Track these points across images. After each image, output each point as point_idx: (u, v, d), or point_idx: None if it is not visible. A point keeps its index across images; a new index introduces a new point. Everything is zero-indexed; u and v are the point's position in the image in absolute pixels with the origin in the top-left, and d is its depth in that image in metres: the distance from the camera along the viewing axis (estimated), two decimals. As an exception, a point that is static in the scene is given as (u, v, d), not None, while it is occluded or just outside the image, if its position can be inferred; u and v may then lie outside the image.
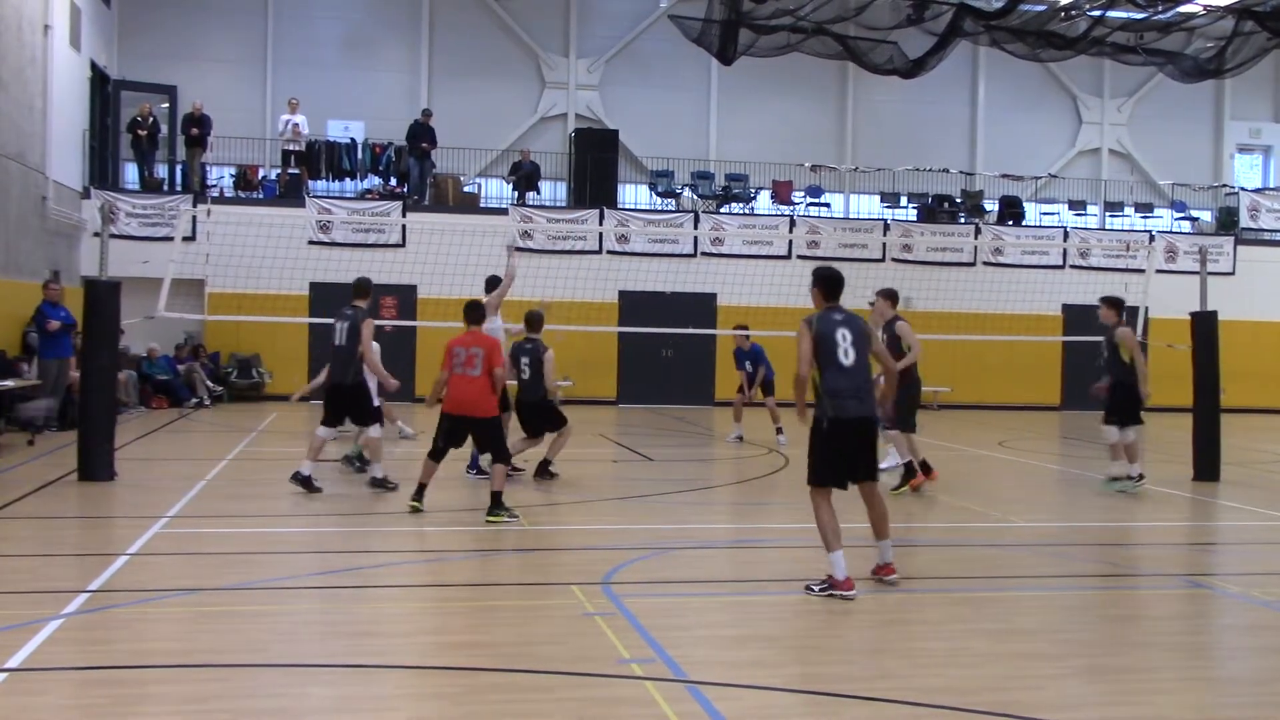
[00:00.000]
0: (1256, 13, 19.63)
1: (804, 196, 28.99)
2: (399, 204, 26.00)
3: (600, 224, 26.60)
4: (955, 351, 24.87)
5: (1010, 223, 29.58)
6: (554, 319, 15.89)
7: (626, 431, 20.61)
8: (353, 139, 27.11)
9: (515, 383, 13.00)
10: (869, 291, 13.73)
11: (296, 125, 26.04)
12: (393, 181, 26.99)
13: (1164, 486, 14.49)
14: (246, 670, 6.08)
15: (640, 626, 6.97)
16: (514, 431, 13.02)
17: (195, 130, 25.51)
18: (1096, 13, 20.55)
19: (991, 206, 29.87)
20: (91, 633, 6.84)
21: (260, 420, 20.52)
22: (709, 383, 27.00)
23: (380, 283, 24.02)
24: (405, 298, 24.89)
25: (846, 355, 8.00)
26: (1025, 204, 30.16)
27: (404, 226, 25.19)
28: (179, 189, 25.87)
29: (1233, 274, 28.76)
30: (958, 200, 29.58)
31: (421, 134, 26.54)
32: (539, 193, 28.07)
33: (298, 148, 26.22)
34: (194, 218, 21.56)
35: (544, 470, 13.21)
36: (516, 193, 27.57)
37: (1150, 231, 29.62)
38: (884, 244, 27.53)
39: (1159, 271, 23.53)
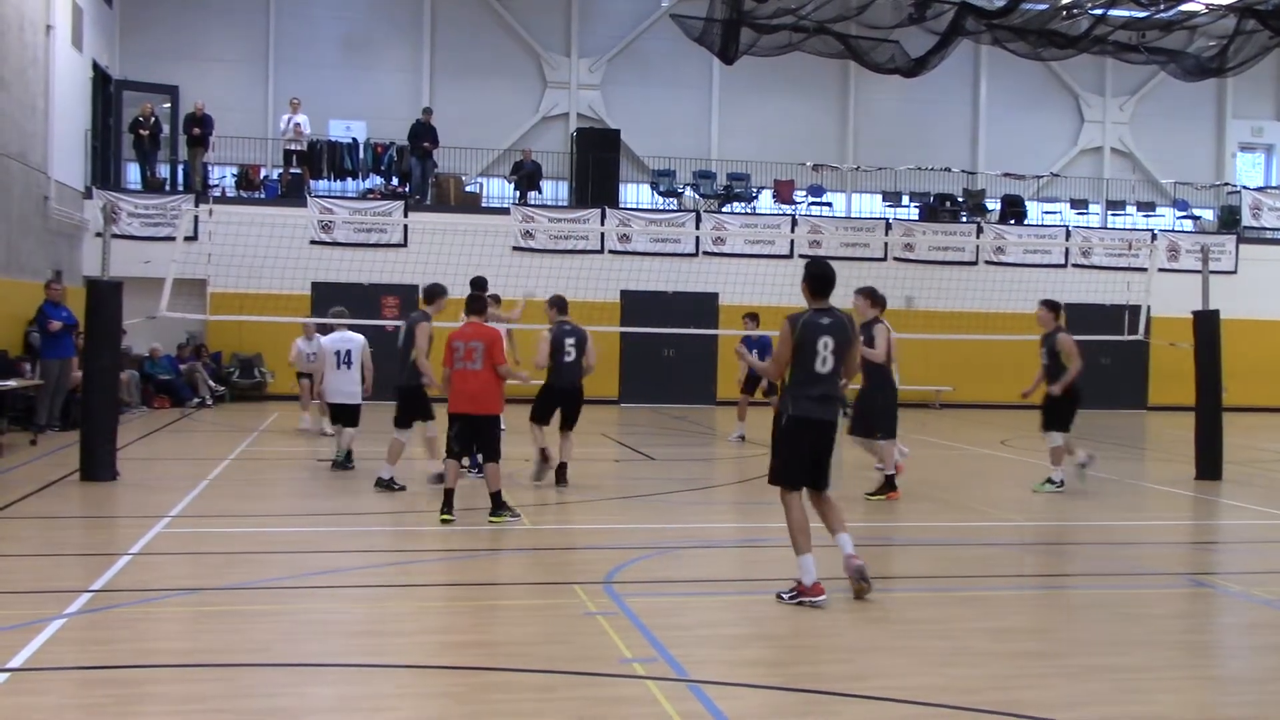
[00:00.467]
0: (1258, 11, 19.61)
1: (806, 196, 28.97)
2: (401, 204, 26.00)
3: (602, 223, 26.60)
4: (957, 351, 24.87)
5: (1012, 222, 29.58)
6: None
7: (628, 431, 20.62)
8: (354, 139, 27.12)
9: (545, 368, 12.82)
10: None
11: (298, 125, 26.04)
12: (394, 181, 26.99)
13: (1166, 485, 14.49)
14: (249, 670, 6.09)
15: (642, 626, 6.98)
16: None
17: (197, 130, 25.51)
18: (1098, 11, 20.53)
19: (993, 205, 29.86)
20: (94, 632, 6.84)
21: (262, 420, 20.53)
22: (710, 382, 27.01)
23: (382, 283, 24.35)
24: (407, 298, 24.84)
25: (824, 364, 7.75)
26: (1027, 203, 30.16)
27: (406, 226, 25.20)
28: (181, 189, 25.87)
29: (1235, 273, 28.73)
30: (959, 199, 29.57)
31: (423, 133, 26.55)
32: (540, 192, 28.06)
33: (299, 147, 26.22)
34: (196, 218, 21.56)
35: (563, 476, 12.80)
36: (518, 192, 27.57)
37: (1152, 230, 29.61)
38: (886, 243, 27.52)
39: (1161, 270, 23.51)
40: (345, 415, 14.02)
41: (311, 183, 26.56)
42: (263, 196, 26.27)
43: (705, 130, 29.95)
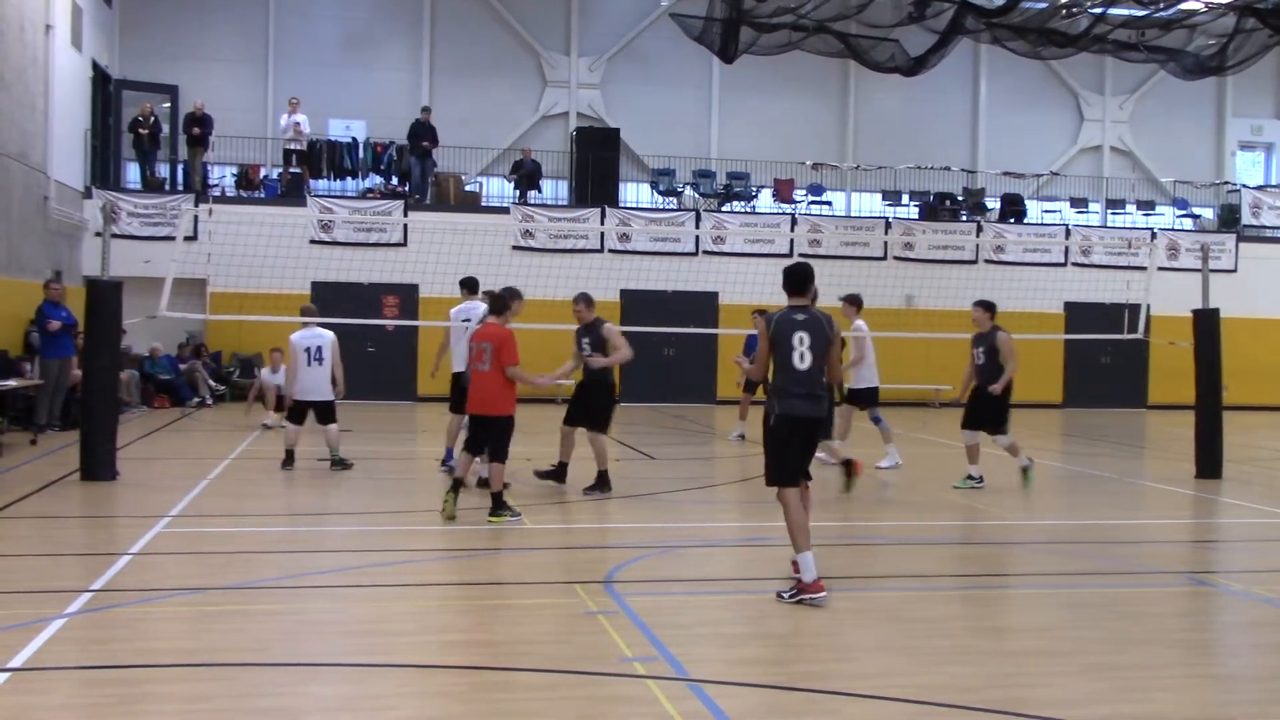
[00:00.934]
0: (1258, 10, 19.61)
1: (805, 195, 28.98)
2: (400, 203, 26.00)
3: (602, 223, 26.60)
4: (957, 350, 24.72)
5: (1012, 220, 29.59)
6: (556, 318, 15.87)
7: (628, 430, 20.60)
8: (354, 138, 27.12)
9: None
10: (871, 290, 13.77)
11: (298, 124, 26.04)
12: (394, 180, 26.99)
13: (1166, 484, 14.49)
14: (249, 669, 6.09)
15: (643, 625, 6.98)
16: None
17: (197, 130, 25.51)
18: (1098, 10, 20.53)
19: (993, 204, 29.86)
20: (94, 632, 6.84)
21: (262, 419, 20.50)
22: (710, 381, 27.01)
23: (382, 282, 24.37)
24: (407, 297, 24.91)
25: (802, 359, 7.82)
26: (1027, 202, 30.16)
27: (405, 225, 25.20)
28: (180, 189, 25.87)
29: (1235, 271, 28.74)
30: (959, 198, 29.57)
31: (422, 132, 26.55)
32: (540, 191, 28.05)
33: (299, 147, 26.22)
34: (195, 217, 21.56)
35: (605, 482, 12.32)
36: (518, 191, 27.57)
37: (1152, 229, 29.61)
38: (885, 242, 27.53)
39: (1161, 269, 23.49)
40: (321, 412, 13.95)
41: (311, 182, 26.56)
42: (262, 196, 26.28)
43: (705, 129, 29.95)
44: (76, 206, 23.94)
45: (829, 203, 29.25)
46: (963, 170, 30.25)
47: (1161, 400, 27.73)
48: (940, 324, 23.50)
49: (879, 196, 29.65)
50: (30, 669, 5.97)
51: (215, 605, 7.44)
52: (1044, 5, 21.48)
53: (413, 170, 26.68)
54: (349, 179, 27.12)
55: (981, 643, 6.88)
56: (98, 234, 18.77)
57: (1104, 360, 28.42)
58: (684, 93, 29.94)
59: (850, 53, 22.41)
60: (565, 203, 28.15)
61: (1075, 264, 28.36)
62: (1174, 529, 11.66)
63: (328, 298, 23.47)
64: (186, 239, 19.92)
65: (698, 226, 27.13)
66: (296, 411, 14.04)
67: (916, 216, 29.48)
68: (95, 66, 25.14)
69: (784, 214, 28.32)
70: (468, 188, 27.65)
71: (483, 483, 11.75)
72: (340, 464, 13.91)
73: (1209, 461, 14.80)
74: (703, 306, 26.32)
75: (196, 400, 23.24)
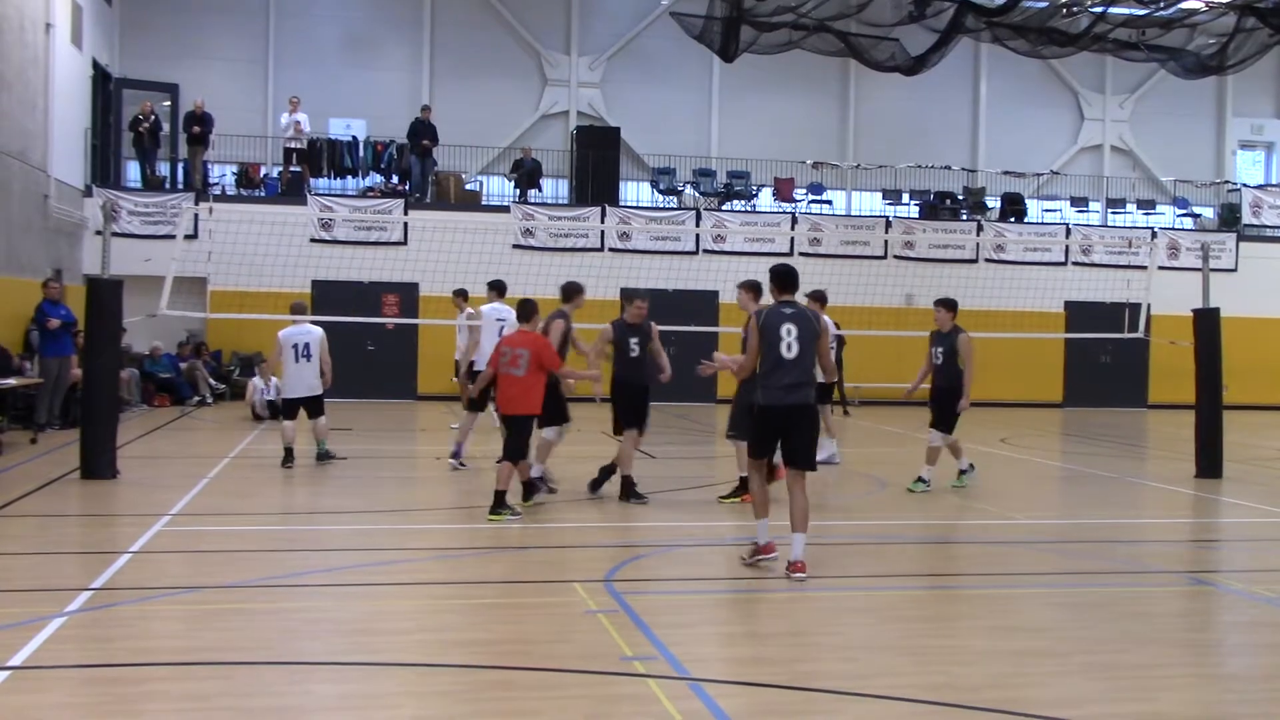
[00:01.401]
0: (1258, 9, 19.62)
1: (806, 194, 28.96)
2: (401, 202, 25.99)
3: (602, 221, 26.58)
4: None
5: (1012, 219, 29.57)
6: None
7: (628, 429, 20.58)
8: (354, 137, 27.11)
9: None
10: (871, 289, 13.77)
11: (298, 123, 26.02)
12: (394, 179, 26.98)
13: (1167, 483, 14.49)
14: (249, 668, 6.08)
15: (643, 624, 6.97)
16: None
17: (197, 128, 25.49)
18: (1098, 9, 20.54)
19: (993, 203, 29.84)
20: (94, 630, 6.84)
21: (263, 418, 20.48)
22: (711, 380, 26.95)
23: (382, 280, 24.36)
24: (407, 295, 24.90)
25: (790, 349, 8.50)
26: (1027, 201, 30.14)
27: (406, 224, 25.19)
28: (180, 187, 25.86)
29: (1235, 270, 28.72)
30: (960, 197, 29.56)
31: (422, 131, 26.53)
32: (540, 190, 28.03)
33: (299, 146, 26.20)
34: (196, 216, 21.56)
35: (631, 491, 11.90)
36: (518, 190, 27.55)
37: (1152, 228, 29.59)
38: (886, 241, 27.51)
39: (1161, 268, 23.49)
40: (310, 407, 14.18)
41: (311, 181, 26.54)
42: (263, 195, 26.27)
43: (705, 128, 29.93)
44: (77, 205, 23.94)
45: (829, 202, 29.23)
46: (963, 169, 30.23)
47: (1162, 400, 27.72)
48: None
49: (879, 195, 29.62)
50: (30, 667, 5.97)
51: (214, 604, 7.44)
52: (1044, 4, 21.49)
53: (413, 169, 26.66)
54: (349, 178, 27.10)
55: (982, 642, 6.88)
56: (98, 232, 18.77)
57: (1104, 359, 28.42)
58: (684, 92, 29.92)
59: (850, 52, 22.42)
60: (565, 201, 28.13)
61: (1076, 263, 28.35)
62: (1174, 528, 11.66)
63: (328, 296, 23.53)
64: (187, 238, 19.93)
65: (698, 225, 27.11)
66: (290, 408, 14.16)
67: (917, 215, 29.47)
68: (96, 65, 25.13)
69: (784, 213, 28.31)
70: (468, 186, 27.64)
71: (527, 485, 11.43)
72: (326, 456, 14.09)
73: (1209, 461, 14.79)
74: (703, 305, 26.30)
75: (197, 399, 23.23)
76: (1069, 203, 30.44)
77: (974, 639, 6.96)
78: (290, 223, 22.64)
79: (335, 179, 27.03)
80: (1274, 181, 32.81)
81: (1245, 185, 31.50)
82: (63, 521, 10.63)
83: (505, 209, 26.78)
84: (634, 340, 11.94)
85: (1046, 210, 30.61)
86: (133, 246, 23.08)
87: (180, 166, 26.59)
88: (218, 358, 25.02)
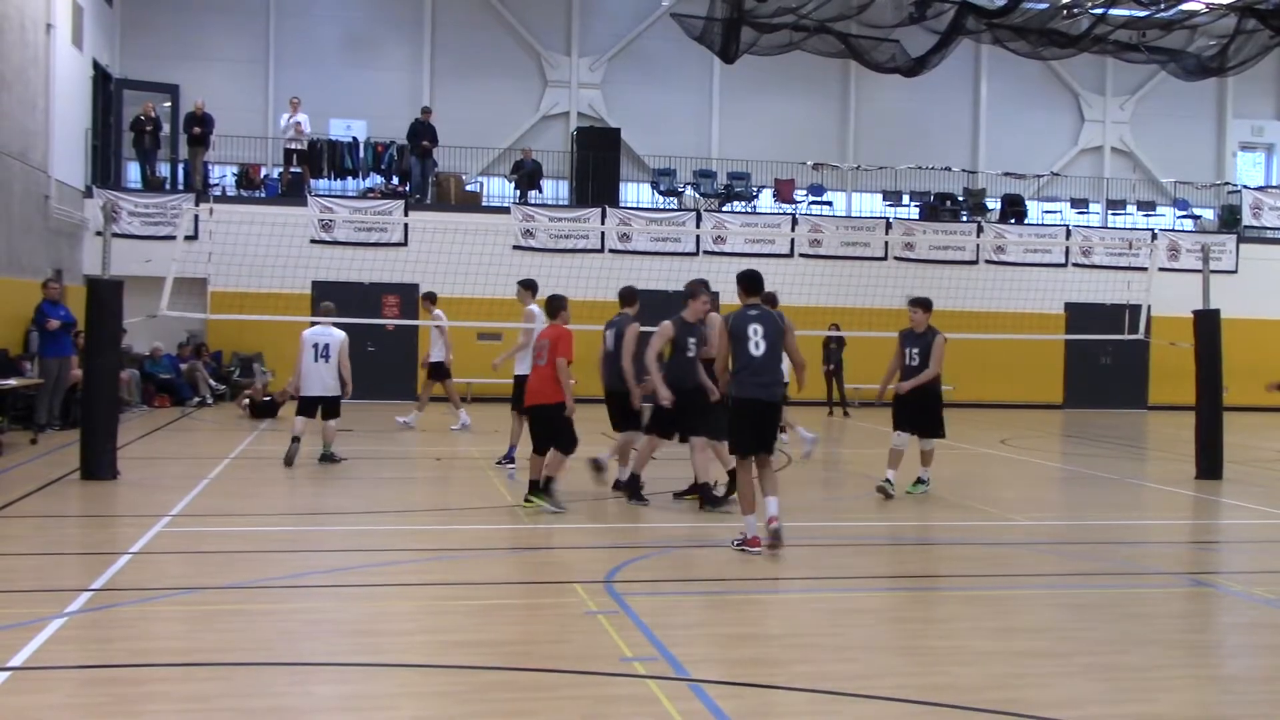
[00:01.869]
0: (1259, 10, 19.62)
1: (806, 195, 28.96)
2: (401, 203, 25.99)
3: (602, 223, 26.58)
4: (957, 350, 24.45)
5: (1012, 221, 29.57)
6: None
7: (629, 430, 20.58)
8: (355, 138, 27.11)
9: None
10: (872, 291, 13.76)
11: (298, 124, 26.02)
12: (395, 180, 26.99)
13: (1167, 485, 14.48)
14: (249, 669, 6.08)
15: (643, 625, 6.97)
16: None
17: (198, 129, 25.49)
18: (1099, 10, 20.53)
19: (994, 205, 29.84)
20: (94, 631, 6.84)
21: (263, 419, 20.51)
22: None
23: (382, 281, 24.36)
24: (407, 296, 24.89)
25: (757, 347, 9.31)
26: (1027, 202, 30.14)
27: (406, 225, 25.19)
28: (181, 188, 25.86)
29: (1235, 272, 28.72)
30: (960, 198, 29.56)
31: (422, 132, 26.53)
32: (541, 191, 28.04)
33: (299, 146, 26.20)
34: (196, 217, 21.57)
35: (636, 491, 11.69)
36: (518, 191, 27.56)
37: (1153, 229, 29.60)
38: (886, 242, 27.51)
39: (1161, 270, 23.50)
40: (327, 408, 14.43)
41: (312, 182, 26.55)
42: (263, 195, 26.27)
43: (706, 129, 29.93)
44: (77, 206, 23.94)
45: (829, 203, 29.24)
46: (963, 171, 30.23)
47: (1162, 401, 27.72)
48: (940, 324, 23.31)
49: (880, 197, 29.62)
50: (30, 668, 5.97)
51: (215, 605, 7.44)
52: (1045, 6, 21.48)
53: (413, 170, 26.68)
54: (349, 179, 27.12)
55: (982, 643, 6.87)
56: (98, 233, 18.77)
57: (1104, 361, 28.42)
58: (685, 93, 29.92)
59: (851, 53, 22.41)
60: (566, 203, 28.13)
61: (1076, 265, 28.35)
62: (1174, 530, 11.65)
63: (328, 297, 23.47)
64: (187, 238, 19.97)
65: (698, 226, 27.11)
66: (307, 406, 14.39)
67: (917, 217, 29.47)
68: (96, 66, 25.13)
69: (785, 214, 28.30)
70: (468, 187, 27.64)
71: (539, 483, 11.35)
72: (329, 458, 14.20)
73: (1209, 462, 14.79)
74: (703, 307, 26.28)
75: (197, 400, 23.23)
76: (1069, 204, 30.45)
77: (974, 640, 6.96)
78: (290, 224, 22.66)
79: (335, 180, 27.04)
80: (1274, 183, 32.81)
81: (1245, 187, 31.50)
82: (63, 522, 10.63)
83: (506, 210, 26.79)
84: (692, 340, 11.23)
85: (1047, 212, 30.61)
86: (133, 247, 23.10)
87: (180, 167, 26.59)
88: (218, 358, 25.02)
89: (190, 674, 5.97)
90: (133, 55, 27.10)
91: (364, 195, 26.72)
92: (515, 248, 25.54)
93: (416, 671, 6.17)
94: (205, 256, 21.03)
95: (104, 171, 25.68)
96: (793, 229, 27.41)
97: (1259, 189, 31.56)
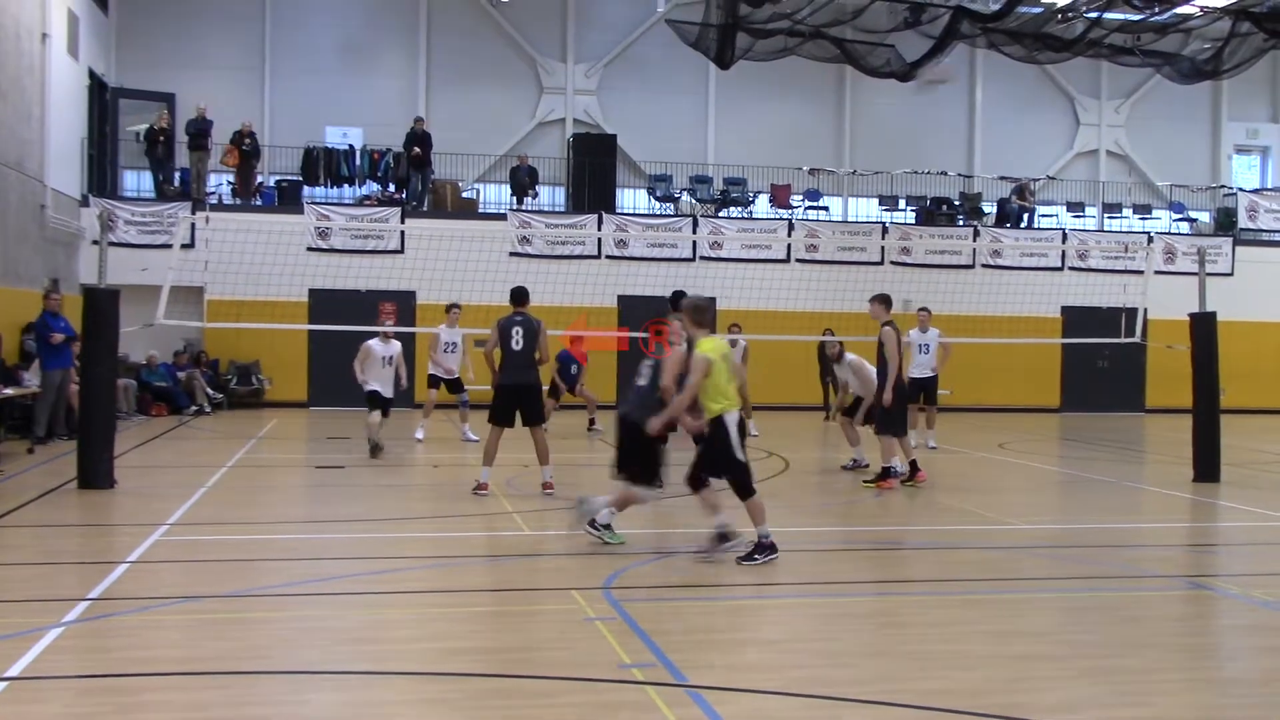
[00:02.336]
0: (1253, 14, 19.68)
1: (802, 200, 29.00)
2: (398, 210, 26.00)
3: (599, 228, 26.60)
4: (954, 354, 24.81)
5: (1009, 225, 29.60)
6: (553, 324, 15.82)
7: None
8: (351, 145, 27.12)
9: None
10: (868, 296, 13.76)
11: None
12: (391, 188, 27.00)
13: (1164, 487, 14.49)
14: (247, 677, 6.07)
15: (641, 631, 6.97)
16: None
17: (200, 134, 25.44)
18: (1094, 14, 20.58)
19: (990, 209, 29.88)
20: (92, 641, 6.83)
21: (260, 427, 20.51)
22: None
23: (379, 289, 24.32)
24: (404, 303, 24.83)
25: (516, 344, 12.00)
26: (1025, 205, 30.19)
27: (403, 232, 25.20)
28: (187, 190, 25.80)
29: (1231, 275, 28.76)
30: (956, 203, 29.60)
31: (416, 142, 26.55)
32: (537, 197, 28.07)
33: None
34: (192, 225, 21.55)
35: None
36: (515, 198, 27.58)
37: (1149, 233, 29.63)
38: (882, 247, 27.53)
39: (1157, 273, 23.52)
40: (385, 405, 16.37)
41: (308, 189, 26.55)
42: (259, 204, 26.28)
43: (702, 135, 29.96)
44: (73, 215, 23.94)
45: (826, 208, 29.26)
46: (959, 175, 30.27)
47: (1159, 404, 27.74)
48: (938, 328, 23.48)
49: (876, 201, 29.66)
50: (27, 678, 5.96)
51: (213, 613, 7.43)
52: (1039, 10, 21.52)
53: (410, 177, 26.69)
54: (346, 186, 27.13)
55: (981, 647, 6.87)
56: (95, 242, 18.72)
57: (1101, 364, 28.45)
58: (681, 99, 29.96)
59: (846, 58, 22.45)
60: (562, 209, 28.14)
61: (1072, 268, 28.36)
62: (1172, 533, 11.65)
63: (325, 305, 23.52)
64: (183, 247, 19.95)
65: (695, 232, 27.12)
66: (374, 400, 16.14)
67: (913, 221, 29.49)
68: (92, 75, 25.14)
69: (781, 219, 28.33)
70: (465, 194, 27.66)
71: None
72: (376, 449, 15.96)
73: (1207, 465, 14.80)
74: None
75: (194, 408, 23.21)
76: (1065, 208, 30.48)
77: (973, 644, 6.96)
78: (287, 231, 22.62)
79: (332, 187, 27.04)
80: (1269, 185, 32.87)
81: (1241, 189, 31.55)
82: (60, 531, 10.61)
83: (502, 217, 26.79)
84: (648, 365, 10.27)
85: (1043, 215, 30.64)
86: (129, 256, 23.07)
87: (176, 175, 26.55)
88: (215, 367, 25.01)
89: (188, 683, 5.96)
90: (128, 64, 27.11)
91: (360, 203, 26.72)
92: (512, 254, 25.53)
93: (415, 679, 6.17)
94: (202, 265, 21.00)
95: (100, 180, 25.67)
96: (789, 234, 27.42)
97: (1254, 191, 31.62)
